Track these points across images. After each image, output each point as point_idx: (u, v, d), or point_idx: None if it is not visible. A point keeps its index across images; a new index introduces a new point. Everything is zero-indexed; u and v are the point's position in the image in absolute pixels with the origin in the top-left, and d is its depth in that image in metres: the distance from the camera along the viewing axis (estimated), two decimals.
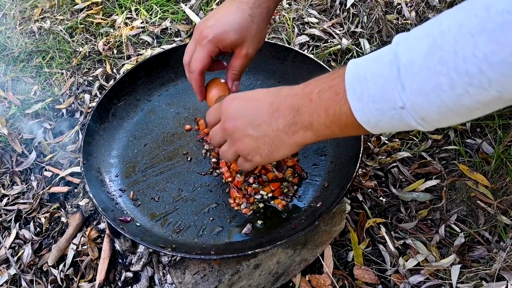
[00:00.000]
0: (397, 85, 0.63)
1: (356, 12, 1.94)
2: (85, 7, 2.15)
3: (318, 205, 1.19)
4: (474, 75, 0.55)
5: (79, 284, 1.35)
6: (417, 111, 0.63)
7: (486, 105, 0.59)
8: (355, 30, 1.88)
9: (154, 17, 2.03)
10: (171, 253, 1.09)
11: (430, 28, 0.61)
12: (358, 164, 1.14)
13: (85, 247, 1.40)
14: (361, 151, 1.17)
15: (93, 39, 2.03)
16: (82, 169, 1.26)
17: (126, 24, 2.04)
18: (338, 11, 1.96)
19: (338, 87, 0.72)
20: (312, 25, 1.92)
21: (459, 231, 1.31)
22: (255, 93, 0.91)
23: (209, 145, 1.38)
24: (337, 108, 0.73)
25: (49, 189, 1.57)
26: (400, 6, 1.91)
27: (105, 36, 2.02)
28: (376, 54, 0.69)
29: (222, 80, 1.17)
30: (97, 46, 1.98)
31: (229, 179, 1.29)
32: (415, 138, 1.50)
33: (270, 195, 1.25)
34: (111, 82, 1.83)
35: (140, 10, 2.06)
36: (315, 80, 0.80)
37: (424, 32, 0.62)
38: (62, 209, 1.51)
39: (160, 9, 2.05)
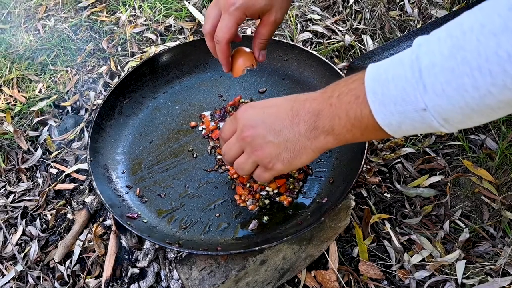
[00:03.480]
0: (419, 86, 0.63)
1: (358, 9, 1.94)
2: (89, 5, 2.15)
3: (323, 201, 1.20)
4: (498, 75, 0.55)
5: (86, 281, 1.36)
6: (440, 112, 0.63)
7: (510, 104, 0.59)
8: (357, 26, 1.88)
9: (158, 15, 2.03)
10: (178, 250, 1.10)
11: (451, 29, 0.61)
12: (363, 160, 1.15)
13: (91, 243, 1.41)
14: (366, 147, 1.17)
15: (97, 37, 2.03)
16: (89, 166, 1.27)
17: (130, 21, 2.04)
18: (340, 8, 1.96)
19: (358, 90, 0.72)
20: (315, 22, 1.93)
21: (464, 226, 1.31)
22: (272, 100, 0.90)
23: (215, 142, 1.39)
24: (358, 111, 0.72)
25: (55, 186, 1.57)
26: (402, 2, 1.91)
27: (109, 34, 2.02)
28: (397, 57, 0.68)
29: (247, 50, 1.12)
30: (102, 43, 1.99)
31: (235, 176, 1.29)
32: (419, 134, 1.51)
33: (275, 191, 1.25)
34: (116, 80, 1.84)
35: (144, 7, 2.06)
36: (333, 85, 0.79)
37: (445, 33, 0.62)
38: (68, 206, 1.52)
39: (164, 7, 2.05)
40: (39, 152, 1.68)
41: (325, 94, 0.79)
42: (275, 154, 0.88)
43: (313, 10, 1.97)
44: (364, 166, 1.44)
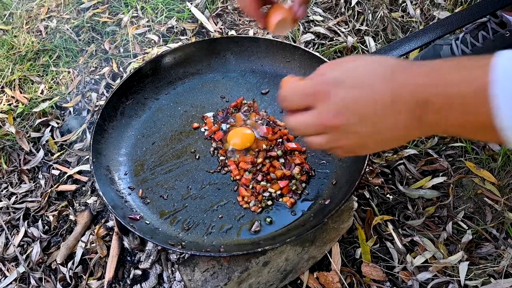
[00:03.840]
0: None
1: (361, 10, 1.94)
2: (91, 6, 2.16)
3: (326, 203, 1.20)
4: None
5: (88, 282, 1.36)
6: None
7: None
8: (360, 28, 1.88)
9: (160, 16, 2.04)
10: (180, 251, 1.10)
11: None
12: (366, 162, 1.15)
13: (93, 245, 1.41)
14: None
15: (99, 38, 2.03)
16: (92, 167, 1.27)
17: (132, 22, 2.04)
18: (343, 9, 1.97)
19: (478, 82, 0.58)
20: (317, 23, 1.93)
21: (467, 228, 1.31)
22: (363, 76, 0.70)
23: (217, 143, 1.38)
24: (474, 108, 0.59)
25: (57, 187, 1.58)
26: (405, 3, 1.91)
27: (111, 35, 2.02)
28: None
29: (286, 6, 1.03)
30: (104, 44, 1.99)
31: (237, 177, 1.29)
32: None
33: (278, 192, 1.25)
34: (118, 81, 1.84)
35: (146, 8, 2.06)
36: (440, 68, 0.64)
37: None
38: (70, 207, 1.52)
39: (166, 8, 2.05)
40: (41, 153, 1.68)
41: (432, 78, 0.63)
42: (360, 144, 0.74)
43: (315, 12, 1.97)
44: (367, 167, 1.44)
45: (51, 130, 1.75)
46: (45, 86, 1.89)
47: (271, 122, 1.40)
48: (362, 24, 1.89)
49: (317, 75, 0.74)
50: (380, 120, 0.68)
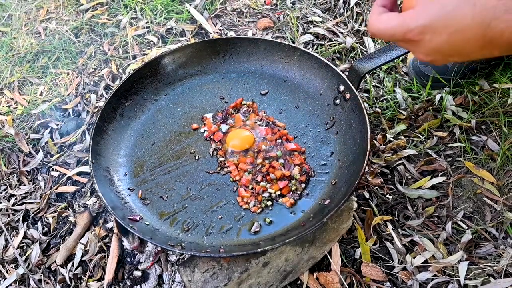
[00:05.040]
0: None
1: (359, 11, 1.94)
2: (90, 7, 2.15)
3: (326, 203, 1.20)
4: None
5: (88, 283, 1.35)
6: None
7: None
8: (359, 28, 1.88)
9: (159, 17, 2.04)
10: (180, 252, 1.10)
11: None
12: (365, 162, 1.15)
13: (93, 246, 1.41)
14: (368, 149, 1.17)
15: (98, 39, 2.03)
16: (91, 168, 1.27)
17: (131, 24, 2.04)
18: (342, 10, 1.97)
19: None
20: (316, 24, 1.93)
21: (466, 228, 1.31)
22: (455, 19, 0.69)
23: (216, 144, 1.39)
24: None
25: (56, 188, 1.57)
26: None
27: (110, 36, 2.02)
28: None
29: None
30: (103, 46, 1.99)
31: (237, 178, 1.29)
32: (420, 136, 1.51)
33: (278, 193, 1.25)
34: (117, 82, 1.84)
35: (145, 10, 2.06)
36: None
37: None
38: (70, 209, 1.52)
39: (165, 9, 2.05)
40: (40, 154, 1.67)
41: None
42: (446, 60, 0.78)
43: (314, 12, 1.97)
44: (366, 167, 1.44)
45: (50, 132, 1.74)
46: (44, 88, 1.89)
47: (270, 122, 1.41)
48: (361, 25, 1.89)
49: (409, 17, 0.73)
50: (474, 54, 0.72)
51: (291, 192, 1.26)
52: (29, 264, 1.42)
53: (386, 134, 1.52)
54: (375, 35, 0.80)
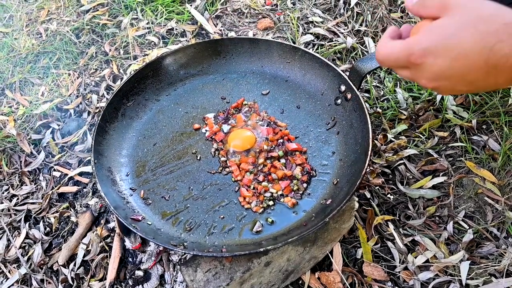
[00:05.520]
0: None
1: (360, 11, 1.95)
2: (91, 8, 2.16)
3: (327, 203, 1.20)
4: None
5: (90, 283, 1.36)
6: None
7: None
8: (359, 28, 1.89)
9: (160, 18, 2.04)
10: (183, 251, 1.11)
11: None
12: (367, 162, 1.15)
13: (95, 246, 1.41)
14: (370, 149, 1.18)
15: (99, 40, 2.04)
16: (93, 168, 1.27)
17: (132, 25, 2.05)
18: (342, 10, 1.97)
19: None
20: (316, 24, 1.93)
21: (467, 227, 1.32)
22: (458, 45, 0.68)
23: (218, 144, 1.39)
24: None
25: (58, 188, 1.58)
26: (403, 4, 1.92)
27: (111, 37, 2.03)
28: None
29: None
30: (104, 46, 1.99)
31: (239, 178, 1.30)
32: (421, 136, 1.51)
33: (280, 193, 1.26)
34: (119, 82, 1.84)
35: (146, 11, 2.07)
36: None
37: None
38: (72, 209, 1.52)
39: (166, 10, 2.05)
40: (42, 155, 1.68)
41: None
42: (451, 89, 0.75)
43: (315, 13, 1.97)
44: (368, 167, 1.44)
45: (52, 132, 1.75)
46: (45, 88, 1.89)
47: (271, 122, 1.41)
48: (361, 25, 1.90)
49: (409, 42, 0.73)
50: (480, 82, 0.69)
51: (292, 192, 1.26)
52: (31, 264, 1.42)
53: (387, 134, 1.52)
54: (381, 61, 0.79)
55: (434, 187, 1.41)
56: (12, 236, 1.50)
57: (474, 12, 0.68)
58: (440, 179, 1.42)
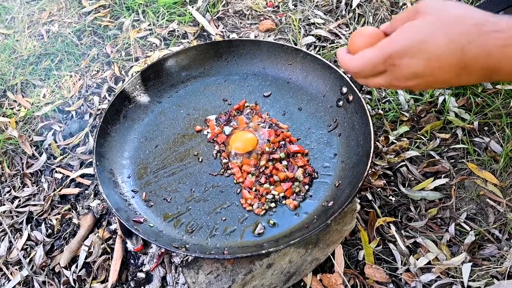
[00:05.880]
0: None
1: (361, 13, 1.95)
2: (92, 10, 2.16)
3: (329, 205, 1.20)
4: None
5: (92, 285, 1.36)
6: None
7: None
8: None
9: (161, 20, 2.04)
10: (185, 253, 1.11)
11: None
12: (369, 164, 1.15)
13: (97, 248, 1.41)
14: (371, 151, 1.18)
15: (101, 42, 2.04)
16: (95, 170, 1.27)
17: (133, 26, 2.05)
18: (343, 12, 1.97)
19: None
20: (318, 25, 1.93)
21: (469, 229, 1.32)
22: (430, 47, 0.70)
23: (220, 146, 1.39)
24: None
25: (60, 190, 1.58)
26: (405, 5, 1.92)
27: (113, 39, 2.03)
28: None
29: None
30: (105, 48, 1.99)
31: (241, 180, 1.30)
32: (423, 137, 1.51)
33: (281, 195, 1.26)
34: (120, 84, 1.84)
35: (147, 12, 2.07)
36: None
37: None
38: (73, 211, 1.52)
39: (167, 11, 2.06)
40: (43, 157, 1.68)
41: (503, 45, 0.65)
42: (425, 87, 0.78)
43: (316, 14, 1.97)
44: (369, 169, 1.44)
45: (54, 134, 1.75)
46: (47, 90, 1.90)
47: (273, 124, 1.41)
48: (362, 26, 1.90)
49: (384, 45, 0.75)
50: (452, 81, 0.72)
51: (294, 194, 1.26)
52: (33, 266, 1.42)
53: (389, 136, 1.52)
54: (358, 72, 0.80)
55: (435, 189, 1.41)
56: (14, 238, 1.50)
57: (445, 14, 0.70)
58: (442, 181, 1.42)
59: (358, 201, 1.33)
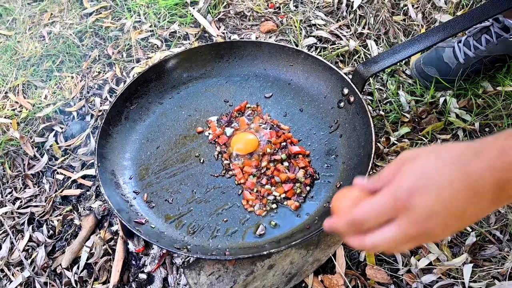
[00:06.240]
0: None
1: (362, 14, 1.95)
2: (94, 11, 2.16)
3: (331, 205, 1.20)
4: None
5: (93, 286, 1.36)
6: None
7: None
8: (362, 31, 1.89)
9: (163, 21, 2.04)
10: (186, 255, 1.11)
11: None
12: (370, 165, 1.16)
13: (98, 249, 1.41)
14: (372, 152, 1.18)
15: (102, 43, 2.04)
16: (97, 171, 1.27)
17: (135, 27, 2.05)
18: (344, 13, 1.97)
19: None
20: (319, 27, 1.93)
21: (470, 230, 1.32)
22: (439, 176, 0.67)
23: (221, 147, 1.39)
24: None
25: (61, 191, 1.58)
26: (406, 7, 1.92)
27: (114, 40, 2.03)
28: None
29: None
30: (107, 49, 1.99)
31: (242, 181, 1.30)
32: (424, 139, 1.51)
33: (283, 196, 1.26)
34: (122, 85, 1.84)
35: (149, 13, 2.07)
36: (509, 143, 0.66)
37: None
38: (75, 212, 1.52)
39: (168, 13, 2.06)
40: (45, 158, 1.68)
41: (505, 159, 0.64)
42: (442, 232, 0.70)
43: (317, 15, 1.97)
44: (371, 170, 1.44)
45: (55, 135, 1.75)
46: (48, 91, 1.90)
47: (274, 125, 1.41)
48: (364, 28, 1.90)
49: (390, 188, 0.70)
50: (468, 212, 0.67)
51: (296, 195, 1.26)
52: (34, 267, 1.42)
53: (390, 137, 1.52)
54: (361, 222, 0.70)
55: None
56: (15, 239, 1.50)
57: (434, 149, 0.70)
58: None
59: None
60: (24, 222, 1.54)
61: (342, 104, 1.39)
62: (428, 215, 0.66)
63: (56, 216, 1.54)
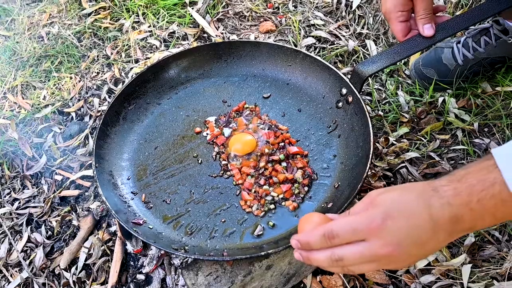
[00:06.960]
0: None
1: (361, 14, 1.94)
2: (92, 11, 2.16)
3: (329, 206, 1.20)
4: None
5: (91, 287, 1.36)
6: None
7: None
8: (361, 31, 1.89)
9: (161, 21, 2.04)
10: (184, 255, 1.11)
11: None
12: (368, 165, 1.15)
13: (96, 250, 1.41)
14: (371, 152, 1.17)
15: (101, 43, 2.04)
16: (95, 172, 1.27)
17: (133, 28, 2.05)
18: (344, 13, 1.97)
19: (503, 194, 0.68)
20: (318, 27, 1.93)
21: None
22: (403, 204, 0.75)
23: (219, 147, 1.39)
24: (506, 210, 0.70)
25: (59, 192, 1.58)
26: None
27: (113, 40, 2.03)
28: None
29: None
30: (105, 50, 1.99)
31: (240, 181, 1.30)
32: (423, 139, 1.51)
33: (281, 196, 1.26)
34: (120, 86, 1.84)
35: (147, 14, 2.07)
36: (465, 185, 0.72)
37: None
38: (73, 212, 1.52)
39: (167, 13, 2.06)
40: (43, 159, 1.68)
41: (461, 199, 0.72)
42: (404, 263, 0.79)
43: (316, 16, 1.97)
44: (369, 170, 1.44)
45: (54, 136, 1.75)
46: (47, 92, 1.90)
47: (273, 126, 1.41)
48: (363, 28, 1.90)
49: (366, 212, 0.77)
50: (430, 242, 0.74)
51: (294, 196, 1.26)
52: (33, 268, 1.42)
53: (389, 137, 1.52)
54: (337, 235, 0.78)
55: None
56: (14, 240, 1.50)
57: (398, 186, 0.80)
58: None
59: (358, 202, 1.32)
60: (22, 223, 1.54)
61: (340, 104, 1.39)
62: (398, 241, 0.73)
63: (55, 217, 1.54)
